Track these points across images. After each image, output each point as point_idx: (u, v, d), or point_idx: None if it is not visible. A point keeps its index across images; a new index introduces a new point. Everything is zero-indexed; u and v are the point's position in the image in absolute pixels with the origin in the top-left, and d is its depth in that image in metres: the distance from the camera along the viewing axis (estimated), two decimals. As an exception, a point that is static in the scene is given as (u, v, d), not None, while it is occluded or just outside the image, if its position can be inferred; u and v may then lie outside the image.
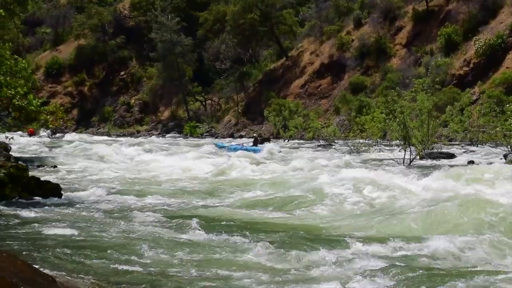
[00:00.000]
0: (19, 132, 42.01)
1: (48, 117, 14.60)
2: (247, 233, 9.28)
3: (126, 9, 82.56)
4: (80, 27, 78.06)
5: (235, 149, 31.22)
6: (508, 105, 29.85)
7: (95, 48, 77.86)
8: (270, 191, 14.90)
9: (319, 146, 39.21)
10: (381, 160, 26.59)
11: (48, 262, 7.01)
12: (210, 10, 73.40)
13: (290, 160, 24.37)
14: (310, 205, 12.64)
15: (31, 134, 45.69)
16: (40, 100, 14.19)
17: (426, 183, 14.10)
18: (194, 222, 9.95)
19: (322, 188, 13.71)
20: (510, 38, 43.12)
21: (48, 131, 51.77)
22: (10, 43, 14.61)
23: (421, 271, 7.05)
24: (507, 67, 41.45)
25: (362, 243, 8.50)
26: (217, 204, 13.42)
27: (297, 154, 30.40)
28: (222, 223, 10.39)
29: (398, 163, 24.48)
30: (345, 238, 8.93)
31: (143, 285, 6.19)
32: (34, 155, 27.20)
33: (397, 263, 7.46)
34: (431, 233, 9.00)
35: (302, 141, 46.43)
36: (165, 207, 12.90)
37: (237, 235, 9.11)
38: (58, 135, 51.87)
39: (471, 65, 44.60)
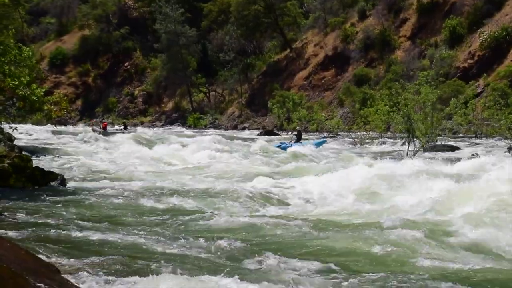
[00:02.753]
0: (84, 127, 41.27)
1: (52, 107, 14.60)
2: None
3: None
4: (85, 17, 78.15)
5: (285, 148, 27.12)
6: (511, 98, 29.77)
7: (99, 38, 77.92)
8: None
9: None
10: (384, 152, 26.54)
11: (51, 252, 7.03)
12: (214, 1, 73.38)
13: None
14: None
15: (105, 128, 44.99)
16: (43, 90, 14.17)
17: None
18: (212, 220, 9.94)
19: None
20: (515, 31, 42.92)
21: (121, 126, 51.88)
22: (13, 30, 14.50)
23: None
24: (511, 60, 41.30)
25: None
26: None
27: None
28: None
29: (402, 156, 24.43)
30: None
31: (147, 275, 6.21)
32: (38, 145, 27.27)
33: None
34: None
35: (305, 133, 46.39)
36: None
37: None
38: (131, 129, 51.47)
39: (476, 58, 44.46)
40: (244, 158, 22.52)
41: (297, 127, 34.84)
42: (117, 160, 21.74)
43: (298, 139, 29.16)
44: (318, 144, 28.12)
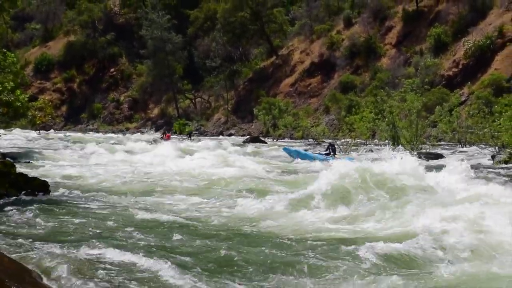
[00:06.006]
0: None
1: (37, 113, 14.56)
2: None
3: (117, 6, 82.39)
4: (70, 23, 77.96)
5: (314, 158, 24.23)
6: (496, 106, 30.03)
7: (85, 44, 77.63)
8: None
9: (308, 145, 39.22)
10: (369, 160, 26.47)
11: (34, 259, 6.98)
12: (201, 8, 73.43)
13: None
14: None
15: (168, 139, 42.79)
16: (27, 96, 14.12)
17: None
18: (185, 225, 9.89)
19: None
20: (499, 40, 43.36)
21: (186, 135, 50.58)
22: (-5, 30, 14.44)
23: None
24: (495, 69, 41.68)
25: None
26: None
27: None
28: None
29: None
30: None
31: (127, 280, 6.18)
32: (22, 151, 27.05)
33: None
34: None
35: (291, 140, 46.48)
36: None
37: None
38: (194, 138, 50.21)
39: (460, 66, 44.84)
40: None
41: (330, 140, 31.74)
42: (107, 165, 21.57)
43: (332, 152, 25.68)
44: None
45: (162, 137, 42.61)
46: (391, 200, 11.04)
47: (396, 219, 9.80)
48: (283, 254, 7.73)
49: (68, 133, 59.53)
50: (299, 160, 24.11)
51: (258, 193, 13.82)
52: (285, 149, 27.08)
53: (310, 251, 7.91)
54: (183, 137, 51.70)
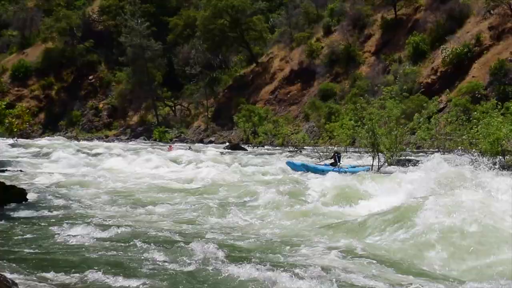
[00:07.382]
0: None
1: (14, 120, 14.34)
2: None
3: (95, 13, 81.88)
4: (48, 30, 77.13)
5: (323, 170, 22.86)
6: (474, 113, 30.26)
7: (63, 51, 76.91)
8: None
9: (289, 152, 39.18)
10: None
11: (10, 268, 6.85)
12: (180, 15, 73.31)
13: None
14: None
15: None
16: (4, 103, 13.90)
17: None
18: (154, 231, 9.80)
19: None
20: (476, 48, 43.81)
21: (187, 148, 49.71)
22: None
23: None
24: (473, 76, 42.07)
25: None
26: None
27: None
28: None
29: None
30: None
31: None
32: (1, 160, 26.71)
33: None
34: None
35: (271, 147, 46.46)
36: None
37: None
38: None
39: (438, 74, 45.21)
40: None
41: (335, 148, 30.09)
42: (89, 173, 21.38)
43: (334, 161, 24.79)
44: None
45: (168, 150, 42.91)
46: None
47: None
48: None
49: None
50: (308, 173, 23.10)
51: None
52: (288, 163, 25.46)
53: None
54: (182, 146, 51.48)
